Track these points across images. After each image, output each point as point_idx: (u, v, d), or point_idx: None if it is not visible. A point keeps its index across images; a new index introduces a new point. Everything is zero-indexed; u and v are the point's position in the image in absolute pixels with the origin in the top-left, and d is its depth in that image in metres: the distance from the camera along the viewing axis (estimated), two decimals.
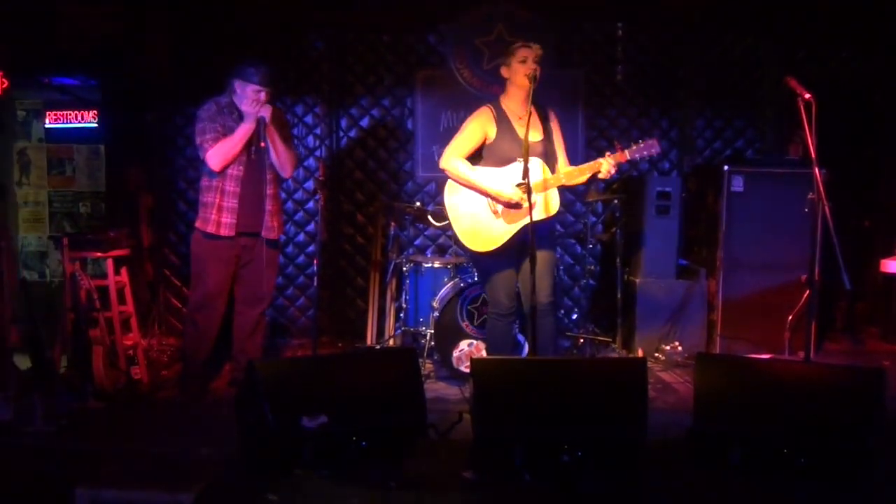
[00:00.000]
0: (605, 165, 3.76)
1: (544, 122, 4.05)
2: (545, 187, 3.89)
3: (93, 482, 3.09)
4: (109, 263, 4.70)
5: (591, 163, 3.87)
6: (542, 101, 4.05)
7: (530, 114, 3.84)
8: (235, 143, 4.24)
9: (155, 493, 3.06)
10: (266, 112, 4.22)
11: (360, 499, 3.04)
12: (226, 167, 4.29)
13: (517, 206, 3.88)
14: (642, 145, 3.74)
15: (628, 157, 3.78)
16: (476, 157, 4.07)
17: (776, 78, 5.90)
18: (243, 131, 4.24)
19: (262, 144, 4.25)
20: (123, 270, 4.85)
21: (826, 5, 5.83)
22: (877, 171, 6.04)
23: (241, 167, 4.32)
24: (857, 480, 3.14)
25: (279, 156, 4.36)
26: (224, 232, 4.33)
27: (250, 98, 4.23)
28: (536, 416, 3.32)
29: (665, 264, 5.59)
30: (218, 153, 4.25)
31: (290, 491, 3.09)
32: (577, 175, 3.90)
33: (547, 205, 3.92)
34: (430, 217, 4.94)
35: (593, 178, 3.93)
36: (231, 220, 4.33)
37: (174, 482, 3.12)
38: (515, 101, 4.04)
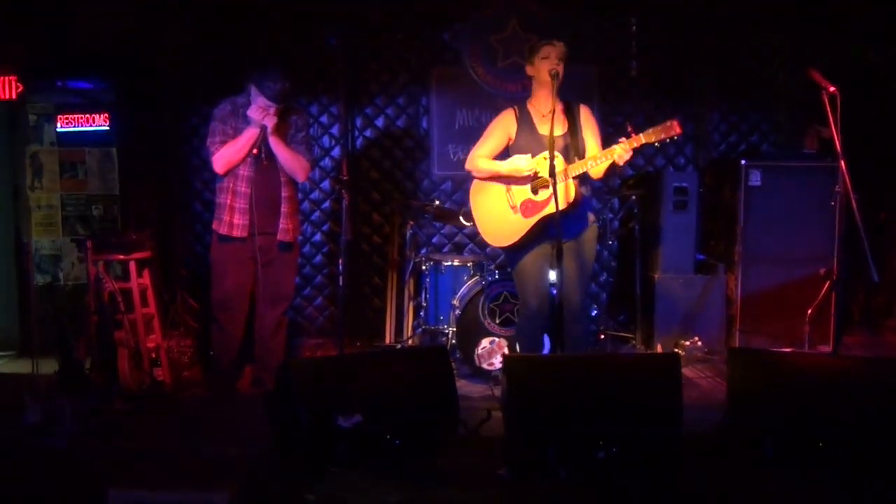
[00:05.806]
0: (619, 150, 3.65)
1: (570, 117, 4.02)
2: (565, 177, 3.81)
3: (126, 483, 3.10)
4: (132, 266, 4.69)
5: (606, 150, 3.77)
6: (570, 97, 4.08)
7: (554, 111, 3.77)
8: (238, 148, 4.28)
9: (189, 494, 3.05)
10: (269, 122, 4.25)
11: (396, 496, 3.05)
12: (230, 170, 4.33)
13: (534, 178, 3.89)
14: (660, 127, 3.59)
15: (644, 141, 3.62)
16: (502, 159, 4.06)
17: (791, 71, 5.89)
18: (246, 137, 4.28)
19: (255, 151, 4.29)
20: (145, 272, 4.84)
21: None
22: (892, 162, 6.02)
23: (251, 169, 4.34)
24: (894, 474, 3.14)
25: (284, 164, 4.38)
26: (237, 233, 4.35)
27: (259, 106, 4.24)
28: (570, 412, 3.31)
29: (683, 259, 5.59)
30: (222, 157, 4.30)
31: (327, 490, 3.09)
32: (594, 164, 3.80)
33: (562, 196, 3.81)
34: (461, 217, 4.98)
35: (613, 168, 3.87)
36: (242, 221, 4.35)
37: (207, 482, 3.13)
38: (540, 98, 4.04)
